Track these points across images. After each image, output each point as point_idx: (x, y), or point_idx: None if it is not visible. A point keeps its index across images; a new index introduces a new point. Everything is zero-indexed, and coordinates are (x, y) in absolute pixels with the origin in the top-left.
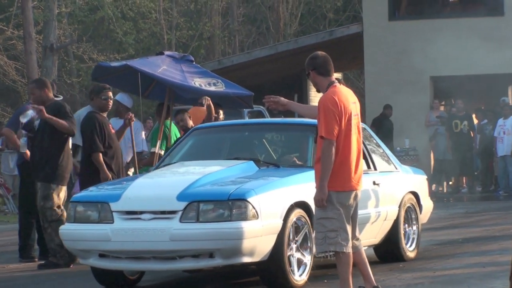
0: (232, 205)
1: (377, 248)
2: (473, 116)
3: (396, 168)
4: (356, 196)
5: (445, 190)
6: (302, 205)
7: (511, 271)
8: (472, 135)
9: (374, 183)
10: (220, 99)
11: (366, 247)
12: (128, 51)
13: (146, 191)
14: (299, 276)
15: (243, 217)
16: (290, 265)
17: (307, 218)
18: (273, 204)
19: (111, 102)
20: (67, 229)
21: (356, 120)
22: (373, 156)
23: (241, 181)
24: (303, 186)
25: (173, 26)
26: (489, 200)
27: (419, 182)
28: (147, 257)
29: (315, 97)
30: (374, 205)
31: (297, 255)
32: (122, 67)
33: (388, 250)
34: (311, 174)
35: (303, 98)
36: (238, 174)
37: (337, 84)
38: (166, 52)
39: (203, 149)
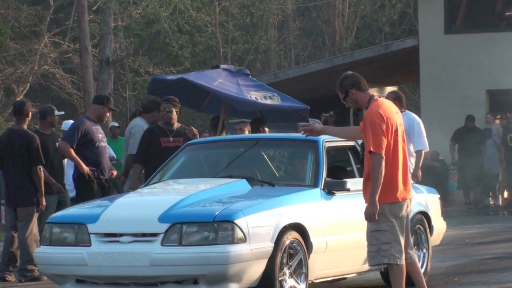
0: (218, 227)
1: (383, 272)
2: None
3: None
4: (408, 206)
5: (500, 203)
6: (297, 227)
7: None
8: None
9: None
10: (275, 113)
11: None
12: (184, 64)
13: (126, 212)
14: None
15: (230, 240)
16: None
17: (302, 241)
18: (264, 226)
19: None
20: (42, 252)
21: (401, 129)
22: None
23: (229, 201)
24: (298, 207)
25: (229, 39)
26: None
27: (430, 201)
28: (126, 283)
29: None
30: None
31: (291, 282)
32: (178, 81)
33: None
34: (308, 194)
35: (359, 112)
36: (228, 194)
37: (377, 97)
38: (222, 66)
39: (195, 166)
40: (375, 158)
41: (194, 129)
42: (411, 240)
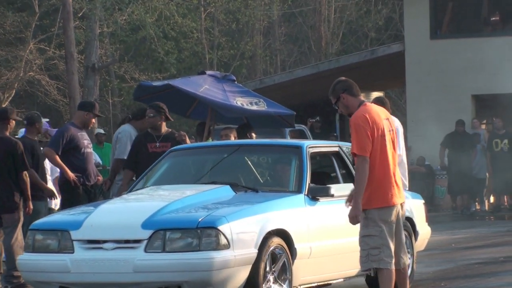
0: (201, 234)
1: (369, 278)
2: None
3: None
4: (398, 211)
5: (486, 209)
6: (281, 233)
7: None
8: None
9: None
10: (261, 118)
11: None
12: (170, 70)
13: (110, 218)
14: None
15: (213, 246)
16: None
17: (285, 247)
18: (247, 232)
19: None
20: (25, 259)
21: (389, 136)
22: None
23: (213, 207)
24: (282, 213)
25: (215, 45)
26: None
27: (415, 207)
28: None
29: None
30: None
31: (275, 287)
32: (164, 87)
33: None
34: (292, 200)
35: (344, 117)
36: (212, 200)
37: (367, 102)
38: (208, 72)
39: (179, 172)
40: (358, 161)
41: (183, 133)
42: (404, 244)
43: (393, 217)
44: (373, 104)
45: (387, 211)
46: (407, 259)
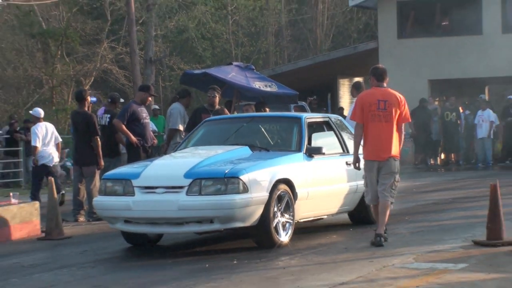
0: (227, 182)
1: (351, 214)
2: (460, 108)
3: None
4: (378, 166)
5: (438, 163)
6: (286, 181)
7: (487, 222)
8: (458, 122)
9: (346, 163)
10: (273, 97)
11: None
12: (206, 62)
13: (161, 171)
14: (284, 236)
15: (236, 191)
16: (276, 228)
17: (289, 190)
18: (261, 180)
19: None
20: (98, 201)
21: (378, 112)
22: (347, 142)
23: (236, 162)
24: (286, 166)
25: (239, 44)
26: (470, 170)
27: None
28: (161, 222)
29: (343, 95)
30: (348, 180)
31: (282, 219)
32: (202, 74)
33: (360, 215)
34: (294, 157)
35: (334, 96)
36: (235, 157)
37: (375, 87)
38: (234, 63)
39: (211, 137)
40: (355, 124)
41: (225, 109)
42: (385, 188)
43: (373, 170)
44: (378, 88)
45: (367, 163)
46: (388, 198)
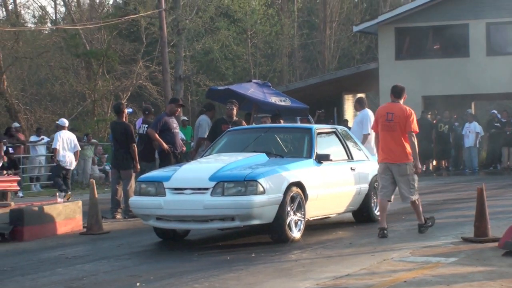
0: (247, 184)
1: (354, 213)
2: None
3: (367, 158)
4: (387, 168)
5: (431, 169)
6: (298, 184)
7: (474, 221)
8: (451, 134)
9: (351, 168)
10: (287, 110)
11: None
12: (228, 79)
13: (188, 174)
14: (297, 232)
15: (255, 192)
16: (289, 225)
17: (300, 192)
18: (276, 183)
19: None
20: (134, 200)
21: (386, 123)
22: (351, 150)
23: (254, 167)
24: (299, 171)
25: (257, 63)
26: (459, 175)
27: None
28: (188, 220)
29: (347, 109)
30: (352, 183)
31: (294, 217)
32: (225, 90)
33: (363, 214)
34: (305, 163)
35: (340, 110)
36: (253, 162)
37: (390, 102)
38: (253, 80)
39: (232, 145)
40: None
41: (243, 121)
42: (404, 188)
43: (383, 171)
44: (390, 103)
45: (381, 166)
46: (409, 197)
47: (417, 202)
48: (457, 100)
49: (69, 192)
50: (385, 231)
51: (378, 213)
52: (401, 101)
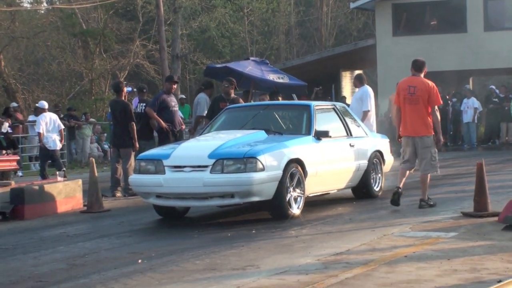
0: (246, 161)
1: (354, 189)
2: (447, 96)
3: (366, 134)
4: (409, 141)
5: None
6: (297, 160)
7: (474, 195)
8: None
9: (350, 145)
10: (285, 87)
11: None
12: (225, 57)
13: (188, 152)
14: (296, 209)
15: (254, 169)
16: (289, 201)
17: (300, 169)
18: (275, 160)
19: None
20: (133, 178)
21: (408, 96)
22: (350, 126)
23: (253, 144)
24: (298, 147)
25: (254, 41)
26: (457, 151)
27: (382, 143)
28: (188, 197)
29: (345, 86)
30: (351, 159)
31: (294, 194)
32: (222, 68)
33: (362, 190)
34: (304, 139)
35: (338, 86)
36: (252, 140)
37: (411, 75)
38: (251, 58)
39: (232, 122)
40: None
41: (241, 99)
42: (423, 160)
43: (406, 144)
44: (411, 76)
45: (404, 139)
46: (429, 170)
47: (438, 172)
48: (455, 76)
49: (64, 169)
50: (422, 203)
51: (377, 189)
52: (422, 75)
